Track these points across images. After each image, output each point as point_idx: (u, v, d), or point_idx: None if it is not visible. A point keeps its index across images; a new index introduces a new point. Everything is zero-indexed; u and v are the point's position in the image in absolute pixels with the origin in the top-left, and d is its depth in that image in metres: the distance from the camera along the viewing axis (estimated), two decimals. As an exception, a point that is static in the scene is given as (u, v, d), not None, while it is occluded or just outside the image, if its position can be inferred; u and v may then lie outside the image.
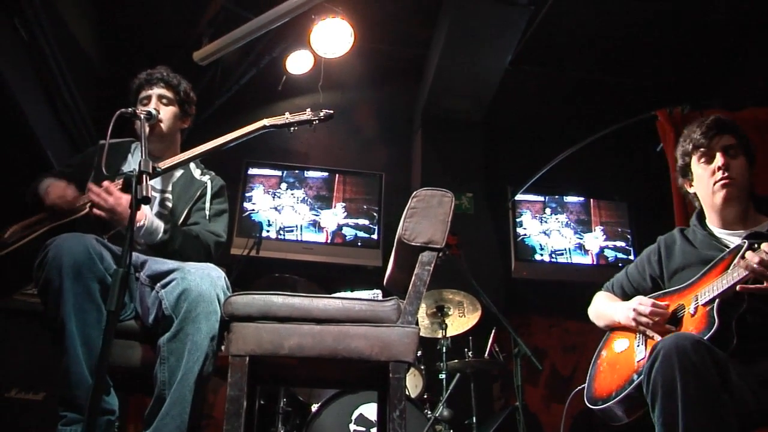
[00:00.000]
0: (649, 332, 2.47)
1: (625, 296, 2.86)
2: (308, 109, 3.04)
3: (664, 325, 2.44)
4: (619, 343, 2.67)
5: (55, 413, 2.35)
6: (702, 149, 2.64)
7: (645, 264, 2.83)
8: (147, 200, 2.20)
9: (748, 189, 2.60)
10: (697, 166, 2.67)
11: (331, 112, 3.03)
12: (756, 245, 2.25)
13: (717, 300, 2.24)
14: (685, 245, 2.69)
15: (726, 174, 2.56)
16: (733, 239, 2.53)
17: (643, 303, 2.52)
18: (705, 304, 2.29)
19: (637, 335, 2.55)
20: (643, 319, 2.48)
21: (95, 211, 2.66)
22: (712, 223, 2.67)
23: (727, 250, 2.41)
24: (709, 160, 2.62)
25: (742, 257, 2.26)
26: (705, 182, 2.64)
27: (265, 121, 2.98)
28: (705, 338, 2.13)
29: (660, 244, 2.83)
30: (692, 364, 1.93)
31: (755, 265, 2.14)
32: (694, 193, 2.75)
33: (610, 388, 2.49)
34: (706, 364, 1.93)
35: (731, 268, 2.29)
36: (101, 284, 2.39)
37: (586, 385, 2.69)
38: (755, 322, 2.23)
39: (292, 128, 3.02)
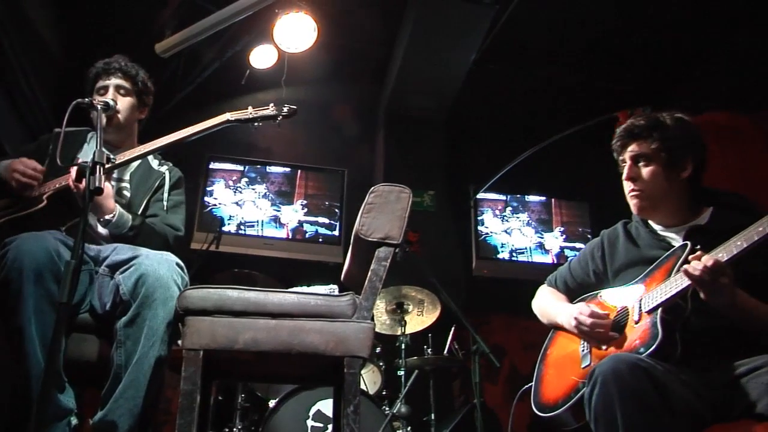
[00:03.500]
0: (593, 340, 2.47)
1: (569, 291, 2.87)
2: (272, 105, 3.00)
3: (608, 332, 2.41)
4: (565, 344, 2.66)
5: (8, 401, 2.33)
6: (618, 157, 2.62)
7: (588, 259, 2.81)
8: (99, 191, 2.18)
9: (666, 193, 2.52)
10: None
11: (295, 108, 3.00)
12: (698, 247, 2.26)
13: (660, 309, 2.23)
14: (628, 242, 2.67)
15: (633, 187, 2.55)
16: (674, 236, 2.52)
17: (583, 313, 2.48)
18: (649, 312, 2.28)
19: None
20: (585, 329, 2.46)
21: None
22: (652, 221, 2.64)
23: (670, 251, 2.41)
24: (623, 165, 2.60)
25: (685, 261, 2.23)
26: (624, 190, 2.63)
27: (228, 115, 2.93)
28: (650, 350, 2.14)
29: (603, 238, 2.81)
30: (631, 390, 1.92)
31: (697, 275, 2.12)
32: None
33: (556, 396, 2.47)
34: (644, 387, 1.93)
35: (674, 273, 2.28)
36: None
37: (533, 386, 2.67)
38: (699, 324, 2.25)
39: (255, 123, 2.99)
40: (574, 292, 2.83)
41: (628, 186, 2.57)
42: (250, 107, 2.98)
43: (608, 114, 5.17)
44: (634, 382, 1.93)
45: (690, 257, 2.19)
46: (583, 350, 2.51)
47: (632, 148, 2.56)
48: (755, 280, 2.23)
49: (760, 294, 2.21)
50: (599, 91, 7.06)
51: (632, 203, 2.58)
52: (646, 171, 2.53)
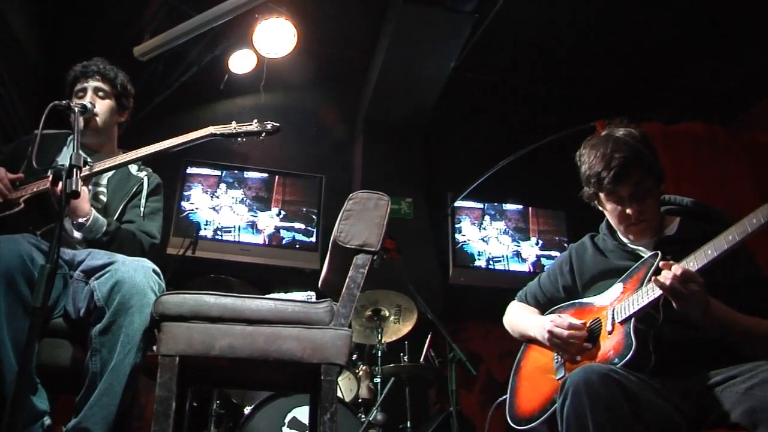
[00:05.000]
0: (566, 352, 2.46)
1: (539, 306, 2.86)
2: (255, 121, 3.01)
3: (582, 343, 2.41)
4: (537, 357, 2.66)
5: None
6: (610, 194, 2.52)
7: (557, 274, 2.81)
8: (76, 194, 2.15)
9: (659, 212, 2.54)
10: (606, 202, 2.56)
11: (278, 125, 3.01)
12: (669, 257, 2.27)
13: (633, 319, 2.24)
14: (596, 254, 2.67)
15: (639, 219, 2.48)
16: (643, 248, 2.52)
17: (558, 325, 2.47)
18: (622, 322, 2.29)
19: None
20: (558, 341, 2.46)
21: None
22: (623, 236, 2.61)
23: (641, 261, 2.42)
24: (618, 201, 2.50)
25: (656, 272, 2.25)
26: (615, 220, 2.56)
27: (212, 129, 2.92)
28: (624, 360, 2.15)
29: (571, 253, 2.81)
30: (602, 400, 1.93)
31: (668, 284, 2.12)
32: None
33: (532, 408, 2.48)
34: (616, 397, 1.94)
35: (645, 283, 2.29)
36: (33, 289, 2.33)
37: (507, 399, 2.67)
38: (673, 335, 2.25)
39: (239, 138, 2.98)
40: (544, 307, 2.83)
41: (632, 219, 2.48)
42: (234, 122, 2.98)
43: (585, 123, 5.18)
44: (605, 392, 1.94)
45: (661, 264, 2.21)
46: (556, 362, 2.51)
47: (633, 184, 2.45)
48: (728, 290, 2.24)
49: (735, 304, 2.22)
50: (577, 101, 7.12)
51: (634, 233, 2.53)
52: (647, 203, 2.48)
